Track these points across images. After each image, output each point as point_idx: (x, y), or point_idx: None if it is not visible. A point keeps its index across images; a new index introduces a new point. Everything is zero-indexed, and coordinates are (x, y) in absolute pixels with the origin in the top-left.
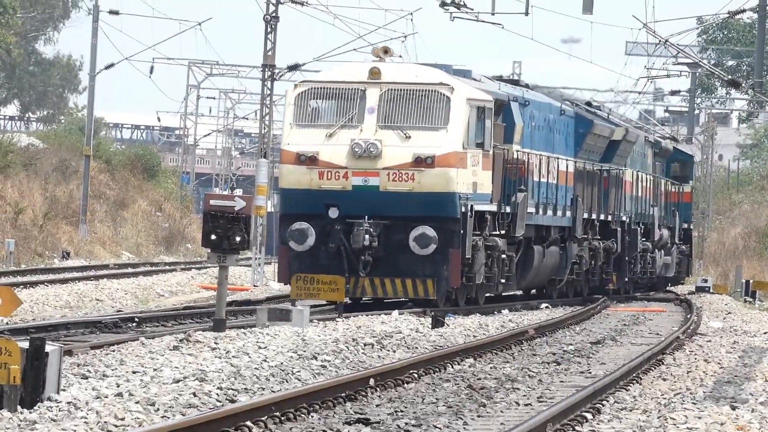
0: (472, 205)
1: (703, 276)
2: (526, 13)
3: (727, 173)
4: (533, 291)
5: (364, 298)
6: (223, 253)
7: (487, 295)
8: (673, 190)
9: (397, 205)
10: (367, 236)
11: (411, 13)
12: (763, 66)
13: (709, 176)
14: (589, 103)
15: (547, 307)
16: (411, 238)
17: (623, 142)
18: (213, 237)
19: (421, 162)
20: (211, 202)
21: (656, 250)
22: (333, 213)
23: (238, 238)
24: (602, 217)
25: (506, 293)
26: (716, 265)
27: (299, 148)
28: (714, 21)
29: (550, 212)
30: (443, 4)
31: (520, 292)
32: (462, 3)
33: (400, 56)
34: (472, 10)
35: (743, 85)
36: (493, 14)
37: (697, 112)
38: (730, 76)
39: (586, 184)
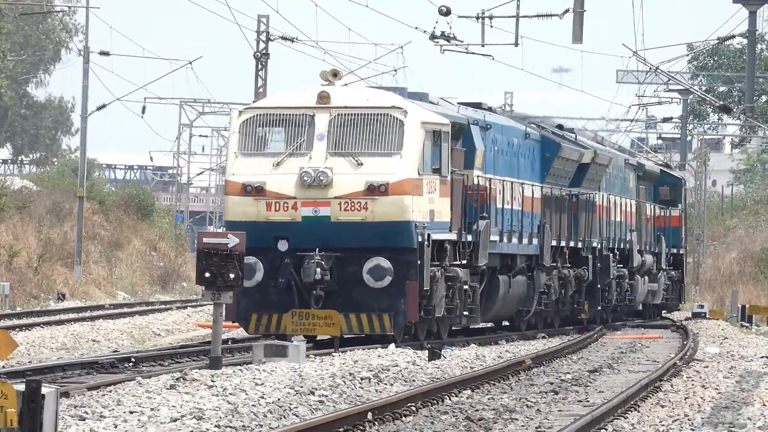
0: (429, 234)
1: (699, 302)
2: (516, 44)
3: (720, 199)
4: (505, 323)
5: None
6: (217, 290)
7: (454, 328)
8: (659, 214)
9: (350, 235)
10: (318, 269)
11: (401, 47)
12: (754, 91)
13: (703, 202)
14: (560, 126)
15: (543, 337)
16: (365, 270)
17: (593, 165)
18: (207, 275)
19: (374, 190)
20: (205, 240)
21: (637, 277)
22: (282, 246)
23: (232, 275)
24: (572, 243)
25: (471, 326)
26: (712, 290)
27: (245, 179)
28: (704, 47)
29: (515, 240)
30: (433, 37)
31: (489, 325)
32: (452, 35)
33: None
34: (462, 42)
35: (735, 110)
36: (483, 46)
37: (689, 138)
38: (721, 102)
39: (554, 209)
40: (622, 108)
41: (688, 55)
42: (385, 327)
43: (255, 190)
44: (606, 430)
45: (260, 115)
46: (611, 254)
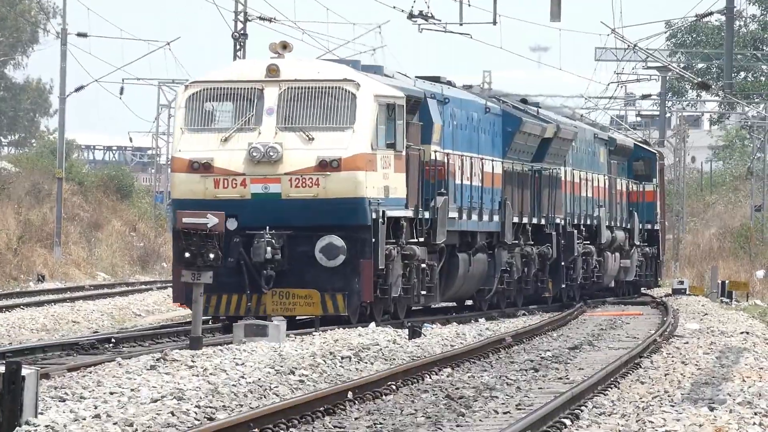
0: (384, 211)
1: (679, 278)
2: (494, 23)
3: (700, 175)
4: (468, 302)
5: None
6: (197, 270)
7: (414, 308)
8: (633, 189)
9: (301, 213)
10: (269, 248)
11: (379, 26)
12: (732, 68)
13: (682, 179)
14: (524, 100)
15: (524, 314)
16: (317, 249)
17: (555, 139)
18: (187, 255)
19: (326, 165)
20: (184, 219)
21: (607, 253)
22: (231, 224)
23: (212, 255)
24: (535, 220)
25: (432, 306)
26: (692, 266)
27: (192, 155)
28: (682, 24)
29: (475, 217)
30: (411, 16)
31: (452, 304)
32: (429, 14)
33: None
34: (440, 21)
35: (713, 87)
36: (461, 24)
37: (668, 115)
38: (700, 79)
39: (516, 185)
40: (601, 86)
41: (666, 33)
42: (339, 308)
43: (202, 167)
44: (586, 407)
45: (207, 89)
46: (576, 231)
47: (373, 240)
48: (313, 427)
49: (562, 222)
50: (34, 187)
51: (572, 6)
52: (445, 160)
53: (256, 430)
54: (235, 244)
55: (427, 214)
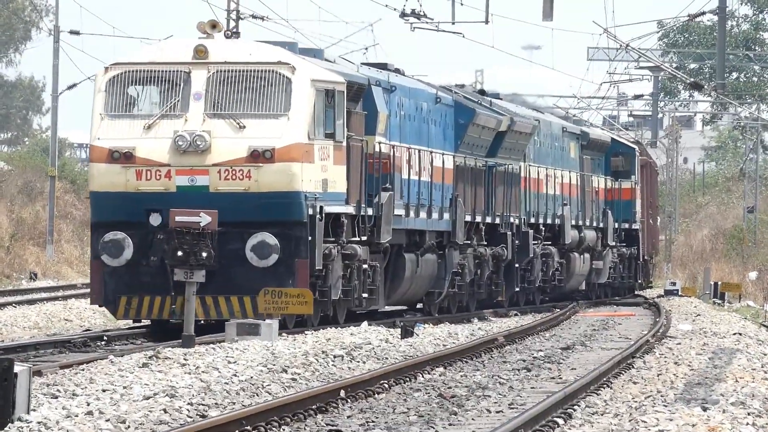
0: (321, 207)
1: (672, 279)
2: (486, 22)
3: (692, 176)
4: (419, 306)
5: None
6: (189, 269)
7: (359, 312)
8: (609, 186)
9: (231, 208)
10: None
11: (371, 25)
12: (724, 68)
13: (675, 179)
14: (482, 91)
15: (515, 314)
16: (248, 247)
17: (510, 132)
18: (179, 253)
19: (258, 156)
20: (177, 218)
21: (574, 255)
22: (154, 220)
23: (204, 254)
24: (489, 219)
25: (377, 309)
26: (684, 268)
27: (112, 143)
28: (674, 24)
29: (423, 215)
30: (403, 15)
31: (403, 308)
32: (422, 13)
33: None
34: (432, 20)
35: (706, 87)
36: (453, 23)
37: (660, 115)
38: (692, 79)
39: (469, 182)
40: (593, 85)
41: (658, 32)
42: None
43: (123, 157)
44: (579, 406)
45: (129, 71)
46: (532, 231)
47: (310, 238)
48: (306, 425)
49: (517, 221)
50: (27, 185)
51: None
52: (391, 153)
53: (249, 427)
54: (158, 242)
55: (370, 211)
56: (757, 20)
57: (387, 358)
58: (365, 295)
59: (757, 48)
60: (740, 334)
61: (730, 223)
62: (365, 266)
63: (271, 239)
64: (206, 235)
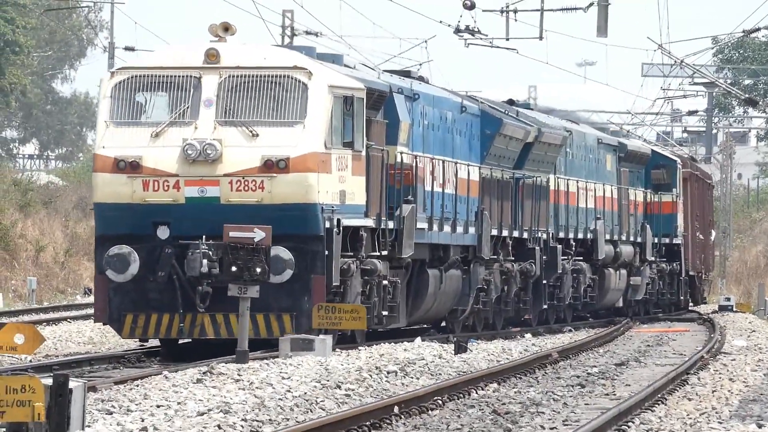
0: (339, 220)
1: (726, 295)
2: (540, 38)
3: (746, 192)
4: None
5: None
6: (244, 284)
7: (380, 330)
8: (648, 200)
9: (244, 221)
10: (205, 261)
11: (425, 41)
12: None
13: (729, 195)
14: (511, 101)
15: (569, 330)
16: None
17: (537, 144)
18: (233, 269)
19: (272, 166)
20: (231, 233)
21: (609, 270)
22: (162, 233)
23: (258, 269)
24: (516, 233)
25: (398, 327)
26: (739, 283)
27: (117, 152)
28: (729, 40)
29: (447, 228)
30: (457, 31)
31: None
32: (476, 29)
33: None
34: (486, 36)
35: (760, 103)
36: (507, 39)
37: (714, 131)
38: (747, 95)
39: (495, 195)
40: (648, 101)
41: (713, 48)
42: (286, 330)
43: (129, 166)
44: (633, 423)
45: (136, 76)
46: (561, 246)
47: (326, 252)
48: None
49: (545, 236)
50: (81, 201)
51: (619, 21)
52: (414, 164)
53: None
54: (166, 256)
55: (391, 224)
56: None
57: (440, 374)
58: (385, 312)
59: None
60: None
61: None
62: (385, 282)
63: (286, 254)
64: (260, 250)
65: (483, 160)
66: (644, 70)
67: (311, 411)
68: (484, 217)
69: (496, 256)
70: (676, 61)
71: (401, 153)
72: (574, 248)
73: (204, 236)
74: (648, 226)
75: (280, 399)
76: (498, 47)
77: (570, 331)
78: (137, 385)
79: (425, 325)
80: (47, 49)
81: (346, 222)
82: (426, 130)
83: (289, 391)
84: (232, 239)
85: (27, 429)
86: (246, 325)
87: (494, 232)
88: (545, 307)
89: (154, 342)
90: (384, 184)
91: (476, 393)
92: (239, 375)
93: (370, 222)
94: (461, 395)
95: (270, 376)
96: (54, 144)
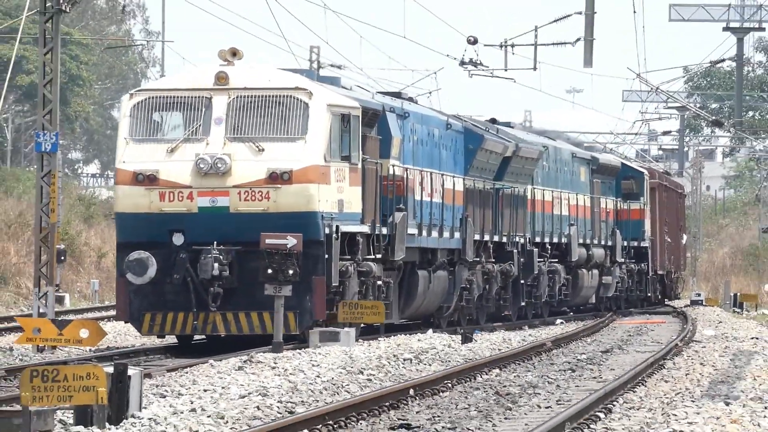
0: (338, 226)
1: (697, 291)
2: (534, 68)
3: (714, 201)
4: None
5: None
6: (278, 284)
7: (375, 325)
8: (619, 207)
9: (251, 228)
10: (216, 265)
11: (435, 72)
12: (742, 107)
13: (699, 204)
14: (493, 120)
15: (561, 323)
16: None
17: (515, 158)
18: (269, 271)
19: (276, 178)
20: (267, 240)
21: (582, 271)
22: (177, 239)
23: (291, 271)
24: (496, 238)
25: (391, 323)
26: (708, 281)
27: (136, 166)
28: (698, 70)
29: (435, 234)
30: (462, 63)
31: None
32: (478, 61)
33: None
34: (488, 67)
35: (726, 124)
36: (506, 70)
37: (686, 149)
38: (713, 117)
39: (478, 203)
40: (628, 123)
41: (684, 77)
42: (290, 327)
43: (147, 179)
44: (617, 402)
45: (153, 97)
46: (537, 249)
47: (326, 256)
48: (380, 420)
49: (522, 240)
50: None
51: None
52: (405, 175)
53: (331, 422)
54: (181, 260)
55: (384, 230)
56: None
57: (450, 361)
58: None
59: None
60: (757, 338)
61: (747, 242)
62: (380, 282)
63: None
64: (292, 255)
65: (466, 172)
66: (624, 96)
67: (338, 394)
68: (468, 223)
69: (478, 259)
70: (652, 88)
71: (393, 166)
72: (549, 251)
73: (215, 242)
74: (618, 231)
75: (310, 384)
76: (498, 77)
77: (562, 323)
78: (187, 372)
79: (416, 321)
80: (107, 82)
81: (344, 228)
82: (415, 145)
83: (318, 376)
84: (268, 246)
85: (91, 411)
86: (281, 321)
87: (477, 236)
88: (523, 304)
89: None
90: (378, 194)
91: (481, 377)
92: (275, 363)
93: (365, 228)
94: (468, 379)
95: (302, 363)
96: (114, 164)
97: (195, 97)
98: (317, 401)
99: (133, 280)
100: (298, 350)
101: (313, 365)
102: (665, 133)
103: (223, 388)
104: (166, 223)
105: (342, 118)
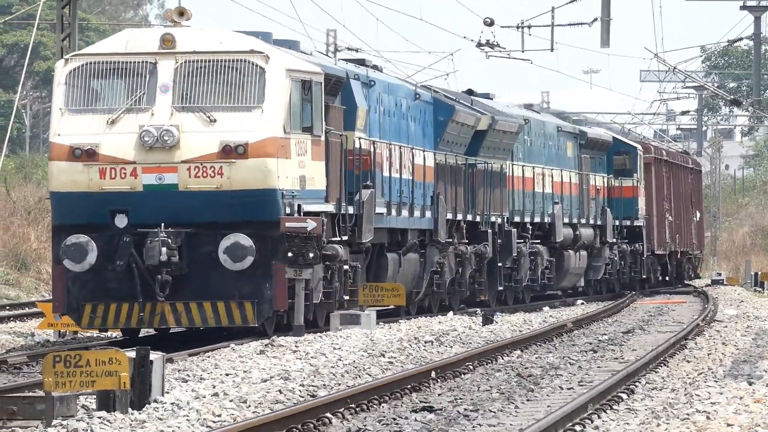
0: (300, 205)
1: (718, 270)
2: (552, 49)
3: (733, 181)
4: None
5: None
6: (299, 267)
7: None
8: (609, 185)
9: (203, 208)
10: (164, 249)
11: (452, 54)
12: (760, 86)
13: (718, 184)
14: (470, 91)
15: (582, 303)
16: (221, 249)
17: (491, 131)
18: (290, 254)
19: (230, 151)
20: (287, 224)
21: (569, 252)
22: (120, 221)
23: (311, 255)
24: (470, 217)
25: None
26: (728, 260)
27: (73, 140)
28: (716, 49)
29: (405, 213)
30: (479, 45)
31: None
32: (495, 43)
33: None
34: (505, 48)
35: (744, 103)
36: (522, 51)
37: (704, 128)
38: (732, 97)
39: (449, 180)
40: (645, 103)
41: (701, 56)
42: (248, 318)
43: (85, 154)
44: (640, 383)
45: (90, 63)
46: (516, 229)
47: None
48: (402, 402)
49: (499, 220)
50: None
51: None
52: (372, 149)
53: (353, 405)
54: (124, 245)
55: (351, 209)
56: None
57: (471, 343)
58: (347, 297)
59: None
60: None
61: None
62: (346, 267)
63: (246, 240)
64: (312, 238)
65: (437, 146)
66: (642, 76)
67: (359, 377)
68: (440, 201)
69: (451, 240)
70: (669, 68)
71: (359, 138)
72: (531, 231)
73: (163, 224)
74: (608, 209)
75: (332, 367)
76: (515, 58)
77: (582, 303)
78: (208, 357)
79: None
80: None
81: (306, 207)
82: (382, 117)
83: (339, 359)
84: (287, 229)
85: (114, 396)
86: (302, 304)
87: (449, 216)
88: (501, 288)
89: None
90: (343, 170)
91: (502, 359)
92: (296, 346)
93: (330, 207)
94: (489, 361)
95: (323, 347)
96: None
97: (138, 63)
98: (339, 384)
99: (71, 267)
100: (319, 333)
101: (334, 348)
102: (683, 113)
103: (244, 372)
104: (107, 203)
105: (303, 84)
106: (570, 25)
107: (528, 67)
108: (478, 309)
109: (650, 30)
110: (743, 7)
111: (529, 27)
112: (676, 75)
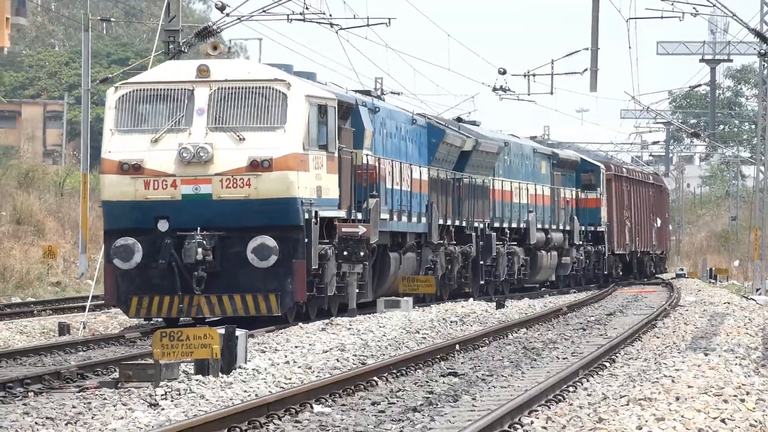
0: (317, 212)
1: (680, 267)
2: (551, 93)
3: (693, 196)
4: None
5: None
6: (352, 263)
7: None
8: (577, 197)
9: (233, 214)
10: (200, 250)
11: (472, 97)
12: (715, 122)
13: (681, 198)
14: (459, 119)
15: (574, 292)
16: (249, 249)
17: (475, 152)
18: (345, 253)
19: (257, 165)
20: (343, 229)
21: (541, 252)
22: (162, 226)
23: (362, 253)
24: (457, 222)
25: (362, 301)
26: (689, 258)
27: (122, 156)
28: (680, 93)
29: (405, 219)
30: (494, 89)
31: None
32: (507, 88)
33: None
34: (514, 92)
35: (702, 135)
36: (528, 94)
37: (671, 155)
38: (692, 130)
39: (441, 191)
40: (624, 135)
41: (669, 99)
42: (272, 308)
43: (132, 168)
44: (619, 354)
45: (137, 90)
46: (495, 233)
47: (306, 240)
48: (433, 369)
49: (482, 225)
50: None
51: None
52: (377, 165)
53: (394, 371)
54: (166, 246)
55: (359, 215)
56: (737, 89)
57: (487, 323)
58: (357, 290)
59: (737, 108)
60: (728, 303)
61: (720, 227)
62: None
63: (271, 242)
64: (362, 241)
65: (430, 162)
66: (622, 114)
67: (400, 348)
68: (433, 209)
69: (442, 241)
70: (644, 108)
71: (366, 155)
72: (509, 235)
73: (199, 228)
74: (576, 217)
75: (378, 341)
76: (522, 100)
77: (575, 292)
78: (281, 333)
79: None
80: None
81: (322, 213)
82: (385, 138)
83: (384, 335)
84: (344, 233)
85: (208, 364)
86: (354, 293)
87: (441, 221)
88: (482, 282)
89: None
90: (353, 182)
91: (512, 335)
92: (350, 325)
93: (342, 213)
94: (501, 336)
95: (371, 326)
96: None
97: (177, 89)
98: (383, 354)
99: (119, 266)
100: (368, 315)
101: (379, 327)
102: (654, 143)
103: (310, 345)
104: (151, 210)
105: (319, 108)
106: (566, 73)
107: (533, 106)
108: (493, 296)
109: (629, 77)
110: (702, 60)
111: (534, 75)
112: (649, 113)
